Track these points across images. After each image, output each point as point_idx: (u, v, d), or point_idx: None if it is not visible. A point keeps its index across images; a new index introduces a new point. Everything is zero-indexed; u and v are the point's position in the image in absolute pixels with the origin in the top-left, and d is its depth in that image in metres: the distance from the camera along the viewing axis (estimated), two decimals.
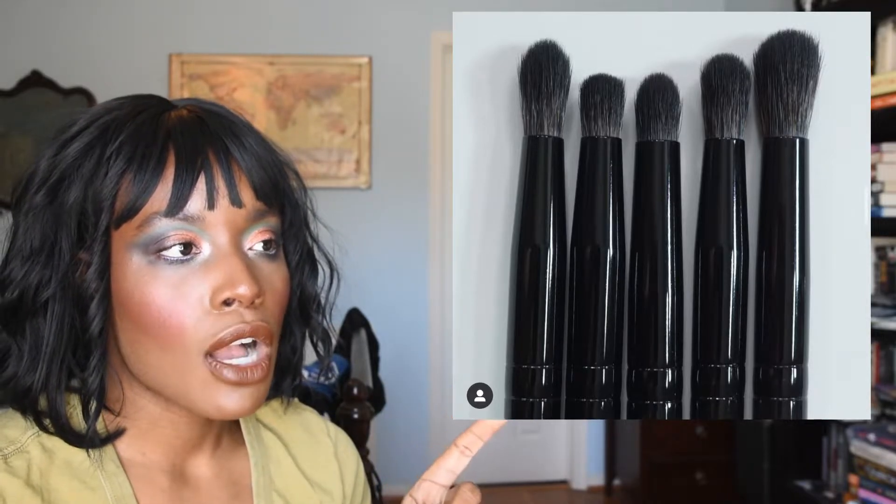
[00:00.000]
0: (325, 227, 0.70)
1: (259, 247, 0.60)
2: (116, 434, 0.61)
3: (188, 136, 0.58)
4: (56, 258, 0.57)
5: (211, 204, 0.57)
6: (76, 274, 0.58)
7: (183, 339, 0.57)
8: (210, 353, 0.57)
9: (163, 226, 0.56)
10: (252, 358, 0.59)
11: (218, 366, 0.57)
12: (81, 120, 0.60)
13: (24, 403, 0.59)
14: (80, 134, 0.59)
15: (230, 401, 0.58)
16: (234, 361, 0.58)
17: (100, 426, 0.61)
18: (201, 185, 0.57)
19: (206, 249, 0.58)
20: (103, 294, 0.58)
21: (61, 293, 0.58)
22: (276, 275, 0.61)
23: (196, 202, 0.57)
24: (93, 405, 0.59)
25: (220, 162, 0.58)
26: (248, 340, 0.58)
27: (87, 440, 0.59)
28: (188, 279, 0.57)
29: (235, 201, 0.58)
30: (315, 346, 0.70)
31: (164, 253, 0.57)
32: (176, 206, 0.56)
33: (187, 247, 0.57)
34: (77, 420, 0.60)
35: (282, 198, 0.63)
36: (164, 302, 0.56)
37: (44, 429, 0.59)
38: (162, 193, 0.56)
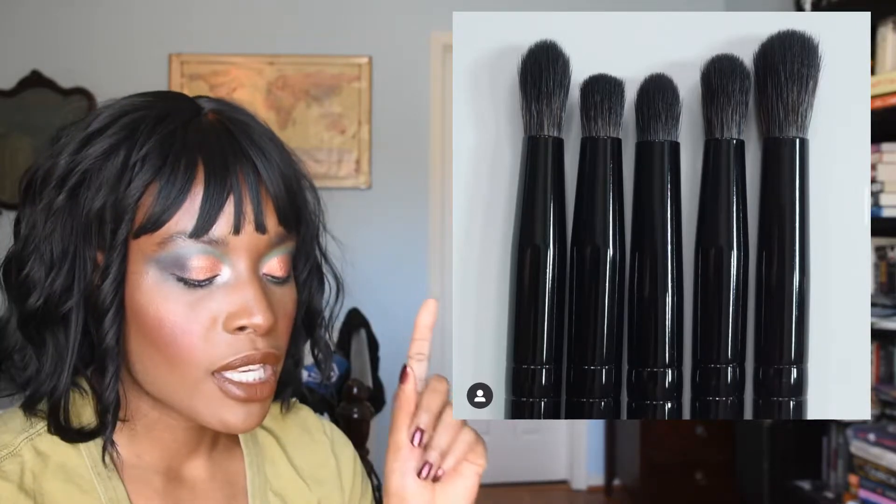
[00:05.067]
0: (334, 240, 0.69)
1: (274, 275, 0.60)
2: (111, 424, 0.60)
3: (218, 153, 0.56)
4: (78, 269, 0.57)
5: (237, 229, 0.56)
6: (92, 280, 0.57)
7: (191, 358, 0.56)
8: (217, 372, 0.57)
9: (186, 247, 0.55)
10: (260, 375, 0.59)
11: (226, 383, 0.57)
12: (103, 116, 0.58)
13: (37, 406, 0.59)
14: (102, 132, 0.57)
15: (236, 417, 0.58)
16: (242, 378, 0.58)
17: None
18: (229, 208, 0.56)
19: (225, 273, 0.57)
20: (118, 307, 0.57)
21: (84, 302, 0.57)
22: (287, 298, 0.61)
23: (222, 226, 0.56)
24: (109, 418, 0.59)
25: (249, 184, 0.57)
26: (257, 367, 0.58)
27: (92, 435, 0.59)
28: (204, 300, 0.56)
29: (260, 227, 0.57)
30: (316, 358, 0.70)
31: (183, 274, 0.56)
32: (202, 229, 0.55)
33: (207, 271, 0.56)
34: (76, 417, 0.60)
35: (300, 217, 0.62)
36: (178, 320, 0.56)
37: (57, 431, 0.59)
38: (189, 213, 0.55)
